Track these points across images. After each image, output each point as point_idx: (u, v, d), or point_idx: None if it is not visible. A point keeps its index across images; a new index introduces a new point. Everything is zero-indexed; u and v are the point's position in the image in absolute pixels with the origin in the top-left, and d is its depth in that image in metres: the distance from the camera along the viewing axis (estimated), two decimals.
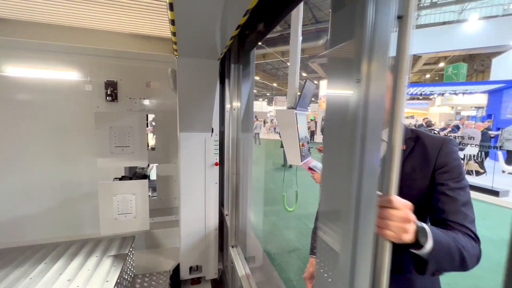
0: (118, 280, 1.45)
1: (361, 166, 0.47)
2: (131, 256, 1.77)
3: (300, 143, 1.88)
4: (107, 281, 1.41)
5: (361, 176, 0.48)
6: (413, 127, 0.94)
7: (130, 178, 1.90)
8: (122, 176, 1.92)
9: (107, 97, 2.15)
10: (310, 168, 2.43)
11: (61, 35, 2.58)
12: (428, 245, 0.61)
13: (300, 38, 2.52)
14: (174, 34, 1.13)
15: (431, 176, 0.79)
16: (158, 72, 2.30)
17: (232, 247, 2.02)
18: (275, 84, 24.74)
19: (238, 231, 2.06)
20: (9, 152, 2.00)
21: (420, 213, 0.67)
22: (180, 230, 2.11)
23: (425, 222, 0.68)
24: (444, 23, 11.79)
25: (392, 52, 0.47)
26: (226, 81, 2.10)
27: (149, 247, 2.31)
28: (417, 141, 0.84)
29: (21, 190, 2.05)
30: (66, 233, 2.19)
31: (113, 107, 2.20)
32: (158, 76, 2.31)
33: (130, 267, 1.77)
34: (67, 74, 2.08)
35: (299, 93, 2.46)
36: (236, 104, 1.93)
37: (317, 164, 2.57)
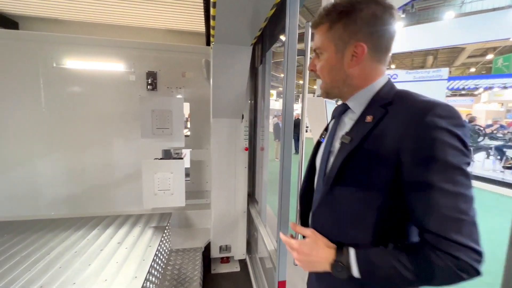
0: (158, 247, 1.61)
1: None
2: (168, 229, 1.94)
3: None
4: (150, 246, 1.57)
5: None
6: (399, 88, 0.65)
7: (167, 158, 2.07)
8: (161, 158, 2.10)
9: (148, 86, 2.35)
10: None
11: (109, 32, 2.87)
12: (355, 273, 0.57)
13: None
14: (213, 18, 1.22)
15: (397, 167, 0.55)
16: (193, 63, 2.46)
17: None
18: (301, 82, 24.32)
19: (266, 213, 2.13)
20: (65, 134, 2.29)
21: (372, 211, 0.59)
22: (211, 212, 2.25)
23: (404, 234, 0.59)
24: (494, 9, 10.65)
25: None
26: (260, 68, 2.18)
27: (182, 226, 2.49)
28: (390, 109, 0.59)
29: (75, 169, 2.34)
30: (110, 209, 2.44)
31: (153, 96, 2.40)
32: (193, 67, 2.46)
33: (167, 239, 1.93)
34: (115, 66, 2.31)
35: None
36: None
37: None
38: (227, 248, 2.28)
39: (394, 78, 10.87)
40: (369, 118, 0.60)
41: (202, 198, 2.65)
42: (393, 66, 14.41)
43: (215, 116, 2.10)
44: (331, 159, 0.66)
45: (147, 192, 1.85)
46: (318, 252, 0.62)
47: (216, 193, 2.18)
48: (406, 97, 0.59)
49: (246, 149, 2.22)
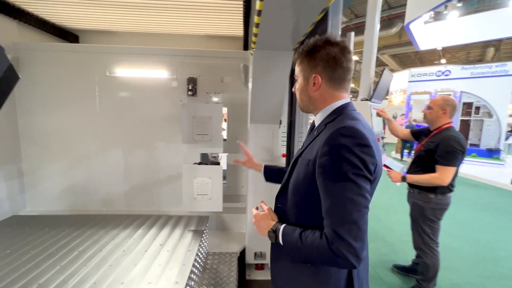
0: (197, 252, 1.64)
1: None
2: (206, 233, 1.97)
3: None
4: (189, 251, 1.61)
5: None
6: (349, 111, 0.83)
7: (205, 163, 2.11)
8: (199, 162, 2.15)
9: (189, 92, 2.43)
10: (385, 166, 2.22)
11: (154, 40, 3.05)
12: (280, 241, 0.83)
13: (378, 25, 2.32)
14: (257, 25, 1.19)
15: (314, 168, 0.76)
16: (231, 68, 2.47)
17: None
18: None
19: None
20: (116, 136, 2.48)
21: (304, 199, 0.82)
22: (247, 217, 2.24)
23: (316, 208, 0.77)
24: None
25: None
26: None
27: (219, 229, 2.53)
28: (327, 126, 0.80)
29: (124, 168, 2.53)
30: (152, 208, 2.59)
31: (193, 101, 2.48)
32: (231, 72, 2.48)
33: (205, 242, 1.97)
34: (159, 73, 2.44)
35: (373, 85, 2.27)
36: None
37: (393, 162, 2.33)
38: (262, 255, 2.25)
39: (447, 75, 9.73)
40: (315, 132, 0.84)
41: (238, 202, 2.66)
42: (443, 61, 12.95)
43: (253, 122, 2.08)
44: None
45: (187, 196, 1.91)
46: (265, 221, 0.90)
47: (252, 198, 2.16)
48: (340, 118, 0.79)
49: (284, 155, 2.17)
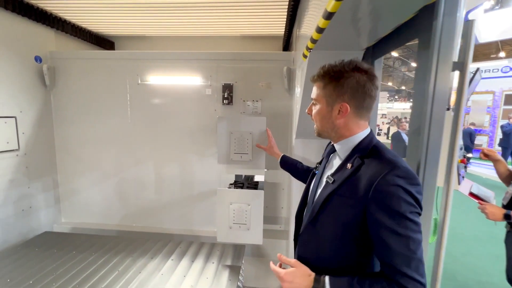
0: None
1: None
2: (242, 268, 1.68)
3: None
4: None
5: None
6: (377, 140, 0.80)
7: (242, 185, 1.81)
8: (235, 182, 1.86)
9: (224, 100, 2.16)
10: (472, 195, 1.71)
11: (188, 43, 2.86)
12: None
13: None
14: (320, 30, 0.86)
15: (364, 209, 0.71)
16: (271, 72, 2.15)
17: None
18: (390, 83, 21.62)
19: None
20: (146, 150, 2.31)
21: (346, 241, 0.77)
22: (289, 245, 1.90)
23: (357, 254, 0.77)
24: None
25: None
26: None
27: (255, 255, 2.22)
28: (366, 161, 0.75)
29: (154, 183, 2.35)
30: (184, 226, 2.38)
31: (228, 110, 2.21)
32: (271, 77, 2.16)
33: (241, 279, 1.67)
34: (192, 80, 2.21)
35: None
36: None
37: (481, 189, 1.80)
38: None
39: (505, 72, 8.40)
40: (349, 166, 0.77)
41: (276, 224, 2.33)
42: (502, 54, 11.15)
43: (299, 136, 1.73)
44: (318, 192, 0.85)
45: (222, 224, 1.63)
46: (300, 280, 0.77)
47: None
48: (378, 152, 0.75)
49: None
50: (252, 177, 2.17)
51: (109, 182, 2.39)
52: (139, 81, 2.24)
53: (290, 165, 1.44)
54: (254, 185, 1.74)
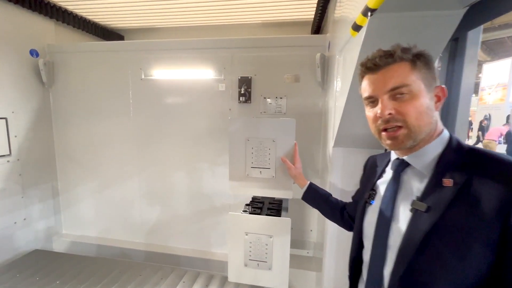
0: None
1: None
2: None
3: None
4: None
5: None
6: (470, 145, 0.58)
7: (260, 204, 1.39)
8: (252, 201, 1.45)
9: (240, 98, 1.76)
10: None
11: (201, 35, 2.51)
12: None
13: None
14: None
15: (503, 234, 0.49)
16: (299, 62, 1.72)
17: None
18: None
19: None
20: (150, 157, 1.99)
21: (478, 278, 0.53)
22: (322, 277, 1.46)
23: None
24: None
25: None
26: None
27: None
28: (475, 172, 0.54)
29: (159, 194, 2.02)
30: (192, 246, 2.03)
31: (246, 109, 1.81)
32: (299, 67, 1.72)
33: None
34: (202, 73, 1.84)
35: None
36: None
37: None
38: None
39: None
40: (447, 182, 0.56)
41: (302, 249, 1.90)
42: None
43: (340, 144, 1.29)
44: (397, 227, 0.62)
45: (234, 260, 1.24)
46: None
47: (331, 251, 1.37)
48: (486, 157, 0.55)
49: None
50: None
51: (111, 191, 2.10)
52: (143, 76, 1.92)
53: (319, 199, 1.05)
54: (277, 207, 1.32)
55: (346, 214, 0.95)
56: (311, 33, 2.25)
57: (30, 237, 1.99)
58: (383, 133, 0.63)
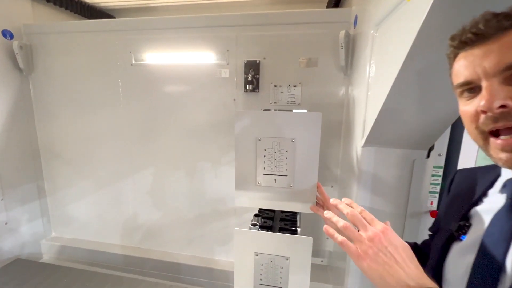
0: None
1: None
2: None
3: None
4: None
5: None
6: None
7: (272, 213, 1.16)
8: (261, 209, 1.21)
9: (247, 86, 1.50)
10: None
11: (201, 13, 2.21)
12: None
13: None
14: None
15: None
16: (316, 42, 1.43)
17: None
18: None
19: None
20: (145, 153, 1.75)
21: None
22: None
23: None
24: None
25: None
26: None
27: None
28: None
29: (155, 195, 1.80)
30: (193, 252, 1.83)
31: (253, 99, 1.55)
32: (316, 49, 1.44)
33: None
34: (202, 57, 1.57)
35: None
36: None
37: None
38: None
39: None
40: None
41: (317, 257, 1.69)
42: None
43: (371, 143, 1.04)
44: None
45: (242, 284, 1.01)
46: (408, 258, 0.45)
47: (358, 270, 1.16)
48: None
49: (434, 212, 1.06)
50: None
51: (104, 191, 1.89)
52: (133, 61, 1.65)
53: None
54: (291, 217, 1.09)
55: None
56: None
57: (15, 242, 1.80)
58: (493, 140, 0.40)
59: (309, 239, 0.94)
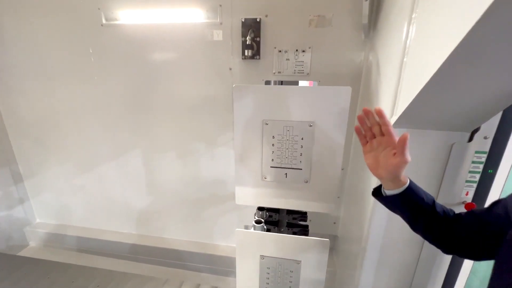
0: None
1: None
2: None
3: None
4: None
5: None
6: None
7: (276, 213, 0.98)
8: (264, 210, 1.04)
9: (245, 51, 1.23)
10: None
11: None
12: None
13: None
14: None
15: None
16: None
17: None
18: None
19: None
20: (128, 132, 1.53)
21: None
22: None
23: None
24: None
25: None
26: None
27: None
28: None
29: (142, 179, 1.63)
30: (192, 238, 1.71)
31: (253, 68, 1.29)
32: (330, 3, 1.16)
33: None
34: (189, 14, 1.27)
35: None
36: None
37: None
38: None
39: None
40: None
41: None
42: None
43: (404, 124, 0.84)
44: None
45: None
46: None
47: (375, 242, 1.04)
48: None
49: (469, 205, 0.90)
50: None
51: (87, 175, 1.70)
52: (104, 20, 1.34)
53: (415, 206, 0.61)
54: (301, 218, 0.92)
55: (459, 230, 0.57)
56: None
57: None
58: None
59: (326, 242, 0.78)
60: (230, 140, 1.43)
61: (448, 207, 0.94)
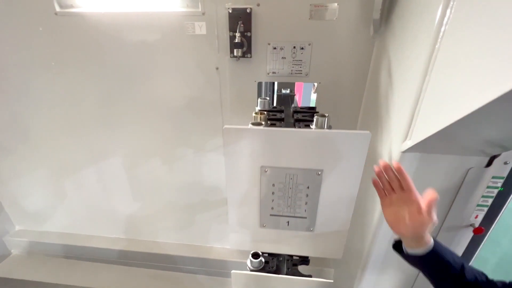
0: None
1: None
2: None
3: None
4: None
5: None
6: None
7: (271, 258, 0.91)
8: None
9: (234, 50, 1.04)
10: None
11: None
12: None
13: None
14: None
15: None
16: None
17: None
18: None
19: None
20: (103, 136, 1.37)
21: None
22: None
23: None
24: None
25: None
26: None
27: None
28: None
29: (126, 186, 1.51)
30: (185, 240, 1.67)
31: (243, 68, 1.11)
32: None
33: None
34: (164, 2, 1.04)
35: None
36: None
37: None
38: None
39: None
40: None
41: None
42: None
43: (419, 149, 0.74)
44: None
45: None
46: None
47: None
48: None
49: (478, 230, 0.85)
50: None
51: (65, 182, 1.56)
52: (57, 8, 1.09)
53: (440, 266, 0.54)
54: (302, 261, 0.85)
55: None
56: None
57: None
58: None
59: (330, 284, 0.72)
60: (220, 146, 1.30)
61: (454, 229, 0.89)
